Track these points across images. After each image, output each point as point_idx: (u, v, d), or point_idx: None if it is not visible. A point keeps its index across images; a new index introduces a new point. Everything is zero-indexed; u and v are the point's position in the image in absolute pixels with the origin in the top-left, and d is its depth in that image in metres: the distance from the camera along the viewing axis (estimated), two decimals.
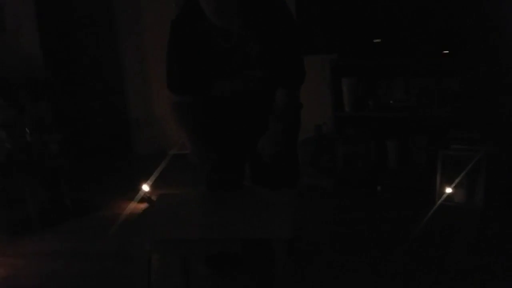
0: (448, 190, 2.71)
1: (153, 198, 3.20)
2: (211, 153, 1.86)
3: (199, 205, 1.87)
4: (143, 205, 3.12)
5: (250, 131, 1.94)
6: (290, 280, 2.01)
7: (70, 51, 4.12)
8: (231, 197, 1.79)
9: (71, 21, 4.12)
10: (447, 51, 2.96)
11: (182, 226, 1.64)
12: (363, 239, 2.44)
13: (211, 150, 1.87)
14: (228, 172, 1.89)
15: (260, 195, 1.78)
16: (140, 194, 3.16)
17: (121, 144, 4.43)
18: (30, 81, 3.43)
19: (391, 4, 3.10)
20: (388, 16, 3.11)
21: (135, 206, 3.08)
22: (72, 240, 2.70)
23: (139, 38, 4.39)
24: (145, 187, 3.19)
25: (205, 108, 1.95)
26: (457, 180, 2.66)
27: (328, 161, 3.27)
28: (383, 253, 2.25)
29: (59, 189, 3.16)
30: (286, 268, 2.00)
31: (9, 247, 2.66)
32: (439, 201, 2.69)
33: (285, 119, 1.88)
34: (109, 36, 4.30)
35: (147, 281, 1.65)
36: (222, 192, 1.87)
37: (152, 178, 3.25)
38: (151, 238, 1.60)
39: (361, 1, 3.15)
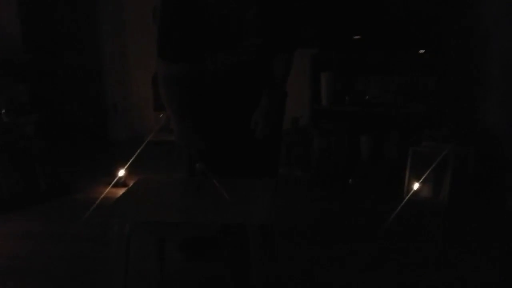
0: (416, 185, 2.81)
1: (129, 183, 3.22)
2: (199, 141, 1.85)
3: (178, 190, 1.90)
4: (119, 190, 3.13)
5: (242, 108, 1.90)
6: (265, 267, 2.06)
7: (50, 33, 4.07)
8: (210, 183, 1.82)
9: (51, 2, 4.06)
10: (423, 50, 3.06)
11: (161, 209, 1.67)
12: (333, 230, 2.52)
13: (199, 137, 1.85)
14: (213, 162, 1.81)
15: (240, 183, 1.81)
16: (116, 179, 3.17)
17: (97, 128, 4.40)
18: (8, 62, 3.38)
19: (372, 2, 3.18)
20: (368, 14, 3.19)
21: (111, 191, 3.08)
22: (46, 221, 2.70)
23: (119, 23, 4.36)
24: (121, 172, 3.20)
25: (197, 82, 1.87)
26: (424, 176, 2.76)
27: (303, 153, 3.34)
28: (352, 245, 2.33)
29: (34, 170, 3.13)
30: (261, 255, 2.06)
31: None
32: (407, 196, 2.79)
33: (279, 90, 1.88)
34: (90, 20, 4.25)
35: (124, 264, 1.66)
36: (201, 178, 1.89)
37: (128, 163, 3.26)
38: (130, 220, 1.63)
39: None
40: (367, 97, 3.22)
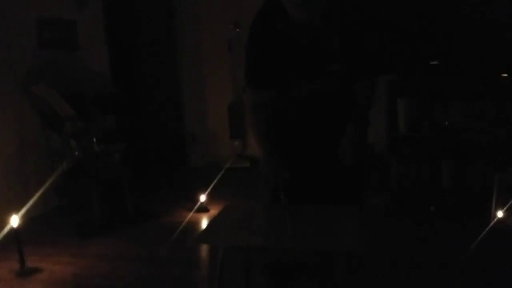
0: (500, 213, 2.70)
1: (209, 208, 3.34)
2: (283, 169, 1.90)
3: (265, 216, 1.96)
4: (201, 215, 3.26)
5: (326, 136, 1.93)
6: None
7: (134, 68, 4.40)
8: (296, 209, 1.86)
9: (136, 41, 4.42)
10: (506, 74, 2.97)
11: (251, 234, 1.73)
12: (414, 259, 2.48)
13: (284, 165, 1.89)
14: (297, 191, 1.85)
15: (324, 210, 1.84)
16: (198, 204, 3.31)
17: (177, 155, 4.62)
18: (99, 95, 3.67)
19: (449, 27, 3.15)
20: (445, 38, 3.16)
21: (193, 215, 3.23)
22: (136, 245, 2.86)
23: (197, 57, 4.62)
24: (202, 198, 3.33)
25: (282, 110, 1.94)
26: (510, 203, 2.65)
27: (380, 180, 3.31)
28: (434, 274, 2.29)
29: (122, 196, 3.34)
30: (346, 282, 2.06)
31: (77, 248, 2.84)
32: (491, 223, 2.69)
33: (365, 119, 1.89)
34: (170, 56, 4.56)
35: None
36: (286, 205, 1.94)
37: (209, 189, 3.41)
38: (223, 245, 1.71)
39: (419, 24, 3.22)
40: (446, 123, 3.16)
